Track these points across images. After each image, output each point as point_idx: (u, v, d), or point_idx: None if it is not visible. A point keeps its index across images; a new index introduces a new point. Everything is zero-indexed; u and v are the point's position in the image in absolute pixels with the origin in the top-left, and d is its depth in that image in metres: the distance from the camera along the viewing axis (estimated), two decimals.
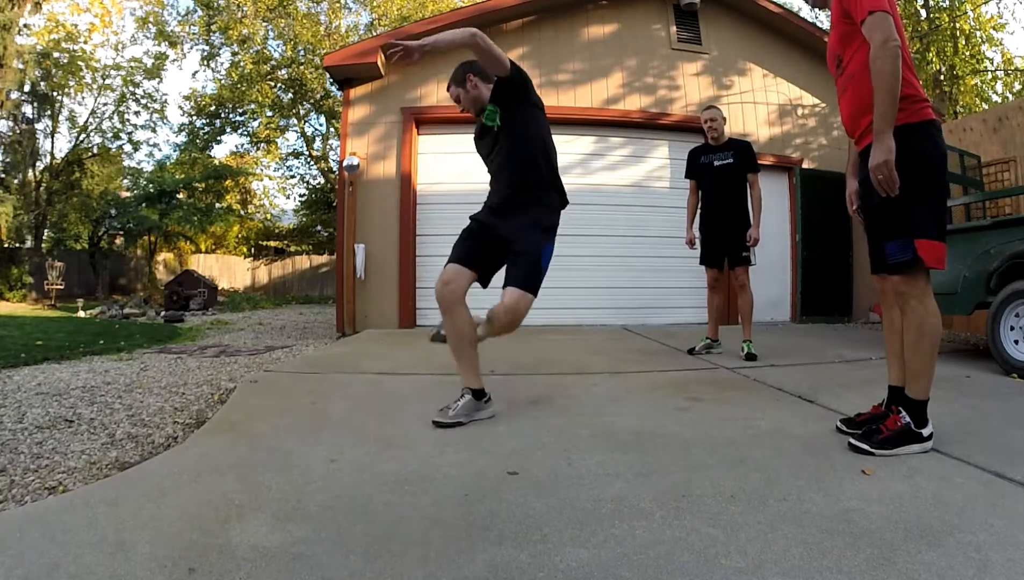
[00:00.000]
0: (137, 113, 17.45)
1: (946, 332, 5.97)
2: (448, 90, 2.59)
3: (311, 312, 11.37)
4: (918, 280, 1.88)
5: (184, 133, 19.01)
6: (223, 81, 18.21)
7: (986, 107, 10.78)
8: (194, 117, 18.92)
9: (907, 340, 1.91)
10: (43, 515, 1.49)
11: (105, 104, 16.86)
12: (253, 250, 20.99)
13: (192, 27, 17.90)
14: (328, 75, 8.24)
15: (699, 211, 4.24)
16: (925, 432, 1.89)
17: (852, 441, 1.93)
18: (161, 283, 14.71)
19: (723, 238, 4.06)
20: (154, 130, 26.25)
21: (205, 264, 18.31)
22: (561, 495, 1.59)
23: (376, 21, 17.14)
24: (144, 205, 14.40)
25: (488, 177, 2.74)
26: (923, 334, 1.87)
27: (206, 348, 5.36)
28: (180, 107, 37.88)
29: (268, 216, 23.07)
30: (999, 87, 12.18)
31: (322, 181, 19.71)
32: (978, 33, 11.25)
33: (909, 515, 1.43)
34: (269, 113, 18.40)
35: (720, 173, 4.05)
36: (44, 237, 16.13)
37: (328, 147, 19.98)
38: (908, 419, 1.89)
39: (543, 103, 2.56)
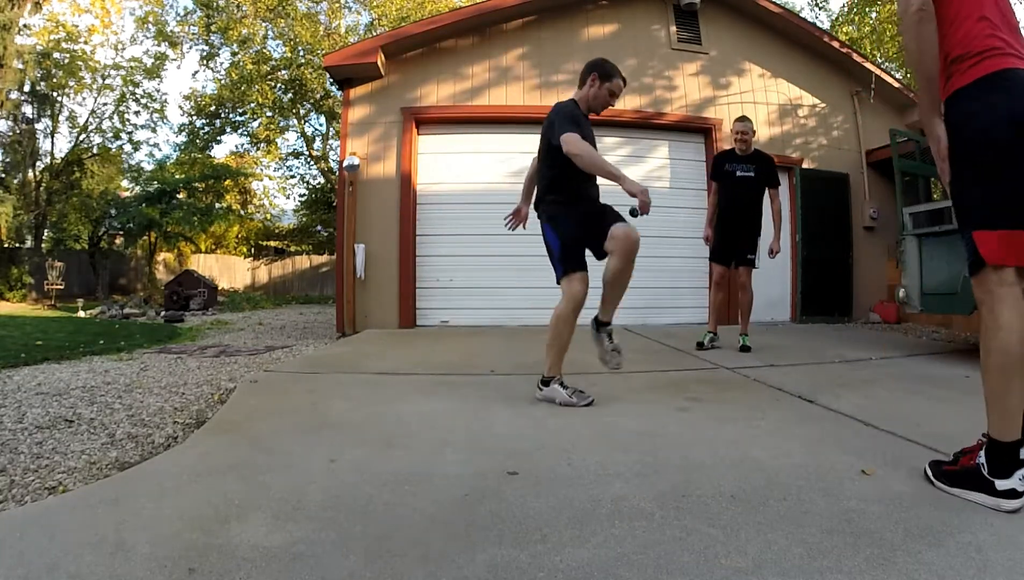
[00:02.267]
0: (137, 113, 17.52)
1: (946, 332, 5.96)
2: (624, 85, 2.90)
3: (311, 312, 11.37)
4: (986, 283, 1.50)
5: (184, 133, 19.05)
6: (223, 81, 18.21)
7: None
8: (194, 117, 18.93)
9: (983, 363, 1.51)
10: (43, 515, 1.49)
11: (105, 104, 16.92)
12: (253, 250, 21.00)
13: (192, 27, 17.91)
14: (328, 75, 8.25)
15: (717, 212, 4.48)
16: (1000, 485, 1.43)
17: (927, 466, 1.64)
18: (161, 283, 14.70)
19: (734, 240, 4.35)
20: (154, 130, 26.38)
21: (205, 264, 18.30)
22: (561, 495, 1.59)
23: (376, 21, 17.12)
24: (144, 205, 14.40)
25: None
26: (988, 352, 1.48)
27: (206, 348, 5.36)
28: (180, 107, 38.01)
29: (268, 216, 23.08)
30: None
31: (322, 181, 19.72)
32: None
33: (909, 515, 1.43)
34: (269, 113, 18.40)
35: (740, 182, 4.30)
36: (44, 237, 16.14)
37: (328, 147, 19.99)
38: (983, 460, 1.48)
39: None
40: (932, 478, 1.59)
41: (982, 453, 1.50)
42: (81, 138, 16.53)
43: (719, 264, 4.44)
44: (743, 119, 4.37)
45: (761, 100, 7.12)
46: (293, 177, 24.38)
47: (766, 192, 4.35)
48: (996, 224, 1.47)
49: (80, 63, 15.57)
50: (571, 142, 2.55)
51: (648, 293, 6.59)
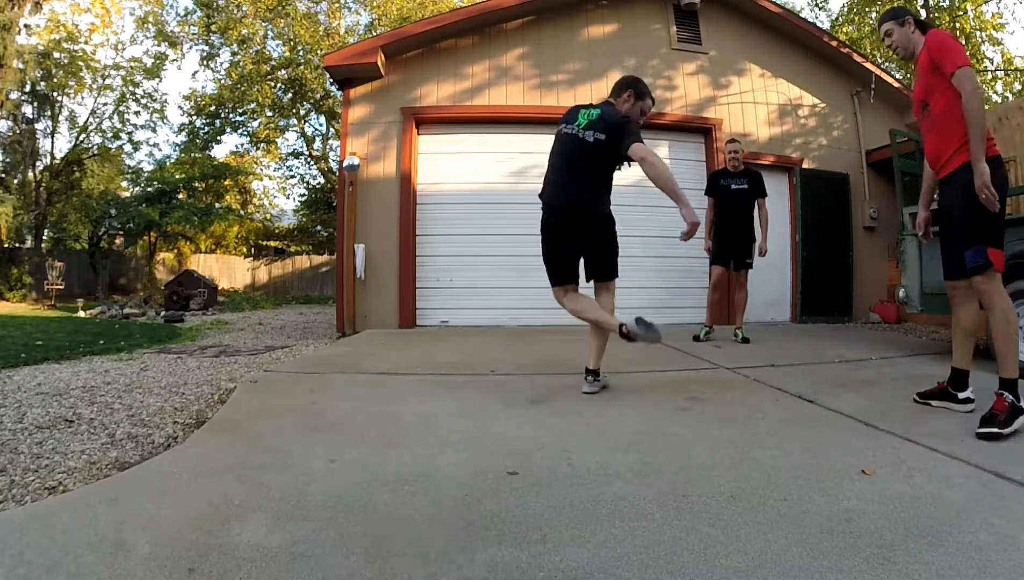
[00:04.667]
0: (137, 113, 17.50)
1: (946, 331, 5.96)
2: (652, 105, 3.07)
3: (311, 312, 11.37)
4: (995, 280, 2.24)
5: (184, 133, 19.03)
6: (223, 81, 18.21)
7: (986, 107, 10.77)
8: (194, 117, 18.91)
9: (996, 330, 2.25)
10: (43, 515, 1.50)
11: (105, 104, 16.89)
12: (253, 250, 20.97)
13: (192, 27, 17.91)
14: (328, 75, 8.24)
15: (714, 222, 5.03)
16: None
17: (979, 430, 2.08)
18: (161, 283, 14.68)
19: (733, 245, 4.89)
20: (154, 130, 26.36)
21: (205, 264, 18.29)
22: (561, 495, 1.59)
23: (376, 21, 17.12)
24: (144, 205, 14.40)
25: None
26: (1008, 322, 2.21)
27: (206, 348, 5.36)
28: (180, 107, 37.90)
29: (268, 216, 23.06)
30: (999, 87, 12.20)
31: (322, 181, 19.70)
32: (978, 33, 11.25)
33: (909, 515, 1.43)
34: (269, 113, 18.38)
35: (735, 195, 4.89)
36: (44, 237, 16.13)
37: (328, 147, 19.97)
38: (1011, 398, 2.12)
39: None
40: (1001, 430, 2.07)
41: (1007, 395, 2.14)
42: (81, 138, 16.53)
43: (720, 266, 4.95)
44: (733, 140, 5.05)
45: (761, 100, 7.12)
46: (293, 177, 24.40)
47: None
48: (1001, 244, 2.21)
49: (80, 63, 15.56)
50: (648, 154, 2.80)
51: (649, 293, 6.59)
